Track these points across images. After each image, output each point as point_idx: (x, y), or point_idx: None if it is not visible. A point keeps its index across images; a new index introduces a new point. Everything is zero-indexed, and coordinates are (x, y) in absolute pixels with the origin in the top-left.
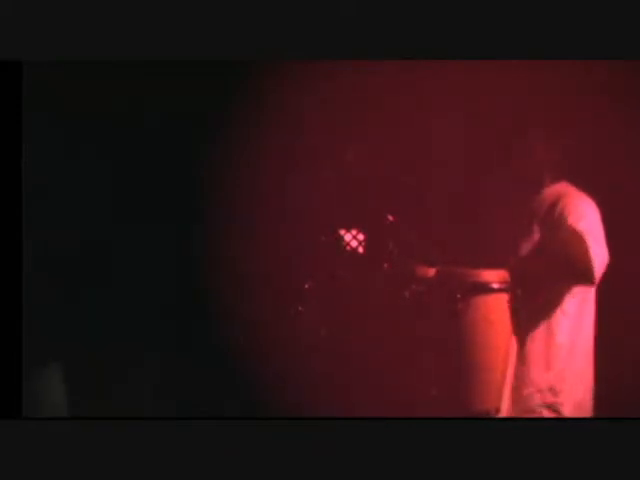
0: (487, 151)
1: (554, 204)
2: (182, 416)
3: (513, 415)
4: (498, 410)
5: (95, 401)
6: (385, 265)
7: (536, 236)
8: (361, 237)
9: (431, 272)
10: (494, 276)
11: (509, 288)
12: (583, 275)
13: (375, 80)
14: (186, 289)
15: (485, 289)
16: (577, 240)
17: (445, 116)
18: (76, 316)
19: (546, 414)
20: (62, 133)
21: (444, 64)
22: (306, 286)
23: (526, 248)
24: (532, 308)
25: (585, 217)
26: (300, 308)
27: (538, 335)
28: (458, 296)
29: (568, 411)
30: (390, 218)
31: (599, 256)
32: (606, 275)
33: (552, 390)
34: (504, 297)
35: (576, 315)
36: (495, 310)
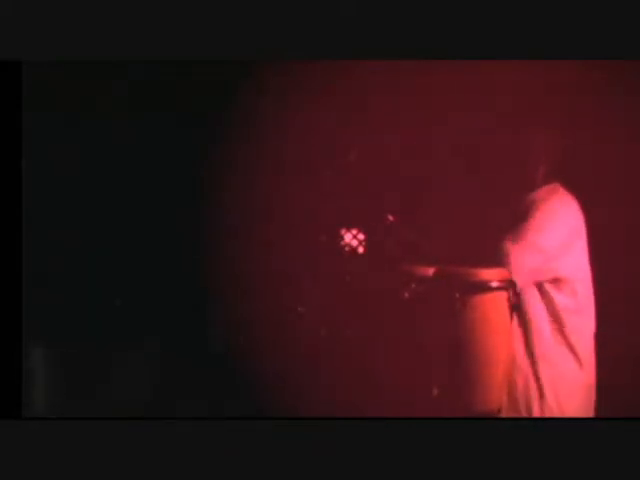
0: (487, 151)
1: (539, 204)
2: (182, 416)
3: (514, 415)
4: (499, 410)
5: (95, 401)
6: (385, 265)
7: (527, 236)
8: (361, 237)
9: (431, 272)
10: (494, 275)
11: (509, 287)
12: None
13: (375, 80)
14: (186, 289)
15: (485, 288)
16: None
17: (445, 116)
18: (76, 316)
19: (547, 414)
20: (62, 133)
21: (444, 64)
22: (306, 286)
23: (520, 248)
24: (531, 306)
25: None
26: (300, 308)
27: (539, 334)
28: (457, 296)
29: (569, 411)
30: (390, 218)
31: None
32: (606, 274)
33: (554, 389)
34: (504, 296)
35: (576, 314)
36: (495, 309)
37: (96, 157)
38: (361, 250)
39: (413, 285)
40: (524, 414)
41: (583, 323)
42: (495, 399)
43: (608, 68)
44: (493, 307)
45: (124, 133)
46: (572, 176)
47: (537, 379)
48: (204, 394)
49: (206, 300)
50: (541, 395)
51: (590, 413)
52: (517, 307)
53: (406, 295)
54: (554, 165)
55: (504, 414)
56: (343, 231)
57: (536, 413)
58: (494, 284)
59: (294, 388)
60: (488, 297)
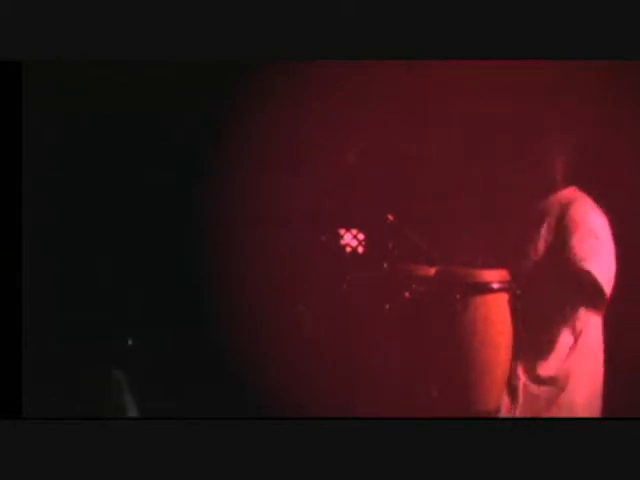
0: (491, 151)
1: (562, 212)
2: (182, 416)
3: (514, 415)
4: (499, 410)
5: (95, 401)
6: (385, 265)
7: (543, 241)
8: (361, 237)
9: (431, 272)
10: (494, 276)
11: (509, 288)
12: (593, 297)
13: (375, 80)
14: (186, 289)
15: (485, 289)
16: (584, 267)
17: (448, 117)
18: (76, 316)
19: (547, 414)
20: (62, 133)
21: (446, 64)
22: (306, 286)
23: (532, 251)
24: (533, 308)
25: (592, 233)
26: (300, 308)
27: (539, 334)
28: (458, 296)
29: (569, 411)
30: (390, 218)
31: (604, 275)
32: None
33: (553, 390)
34: (504, 297)
35: (579, 315)
36: (495, 310)
37: (96, 157)
38: (361, 250)
39: (413, 285)
40: (524, 414)
41: (588, 322)
42: (495, 399)
43: (624, 69)
44: (494, 308)
45: (124, 133)
46: (582, 177)
47: (538, 379)
48: (204, 394)
49: (206, 300)
50: (542, 395)
51: (593, 413)
52: (518, 308)
53: (406, 295)
54: (569, 166)
55: (504, 414)
56: (343, 231)
57: (537, 413)
58: (495, 285)
59: (294, 388)
60: (489, 298)
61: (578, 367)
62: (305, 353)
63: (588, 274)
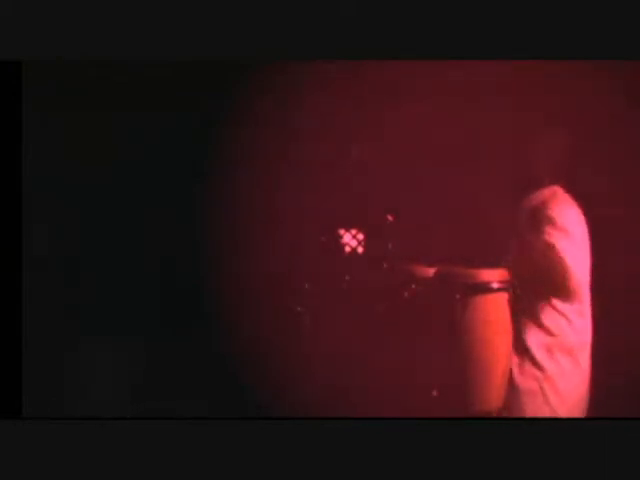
0: (487, 151)
1: (540, 209)
2: (182, 416)
3: (513, 415)
4: (499, 410)
5: (95, 401)
6: (385, 265)
7: (527, 238)
8: (361, 237)
9: (431, 272)
10: (493, 276)
11: (508, 288)
12: (562, 292)
13: (375, 80)
14: (186, 289)
15: (484, 289)
16: (557, 259)
17: (445, 116)
18: (76, 316)
19: (546, 414)
20: (62, 133)
21: (445, 64)
22: (306, 286)
23: (519, 250)
24: (530, 307)
25: (568, 231)
26: (300, 308)
27: (537, 334)
28: (457, 296)
29: (567, 411)
30: (390, 218)
31: (577, 275)
32: (602, 277)
33: (552, 390)
34: (503, 297)
35: (574, 315)
36: (494, 310)
37: (96, 157)
38: (361, 250)
39: (413, 285)
40: (524, 414)
41: (583, 324)
42: (495, 399)
43: (611, 68)
44: (494, 308)
45: (124, 133)
46: (575, 176)
47: (537, 379)
48: (204, 394)
49: (206, 300)
50: (541, 395)
51: (590, 413)
52: (517, 308)
53: (406, 295)
54: (557, 165)
55: (504, 414)
56: (343, 231)
57: (536, 413)
58: (495, 285)
59: (294, 388)
60: (489, 298)
61: (568, 367)
62: (305, 353)
63: (561, 271)
